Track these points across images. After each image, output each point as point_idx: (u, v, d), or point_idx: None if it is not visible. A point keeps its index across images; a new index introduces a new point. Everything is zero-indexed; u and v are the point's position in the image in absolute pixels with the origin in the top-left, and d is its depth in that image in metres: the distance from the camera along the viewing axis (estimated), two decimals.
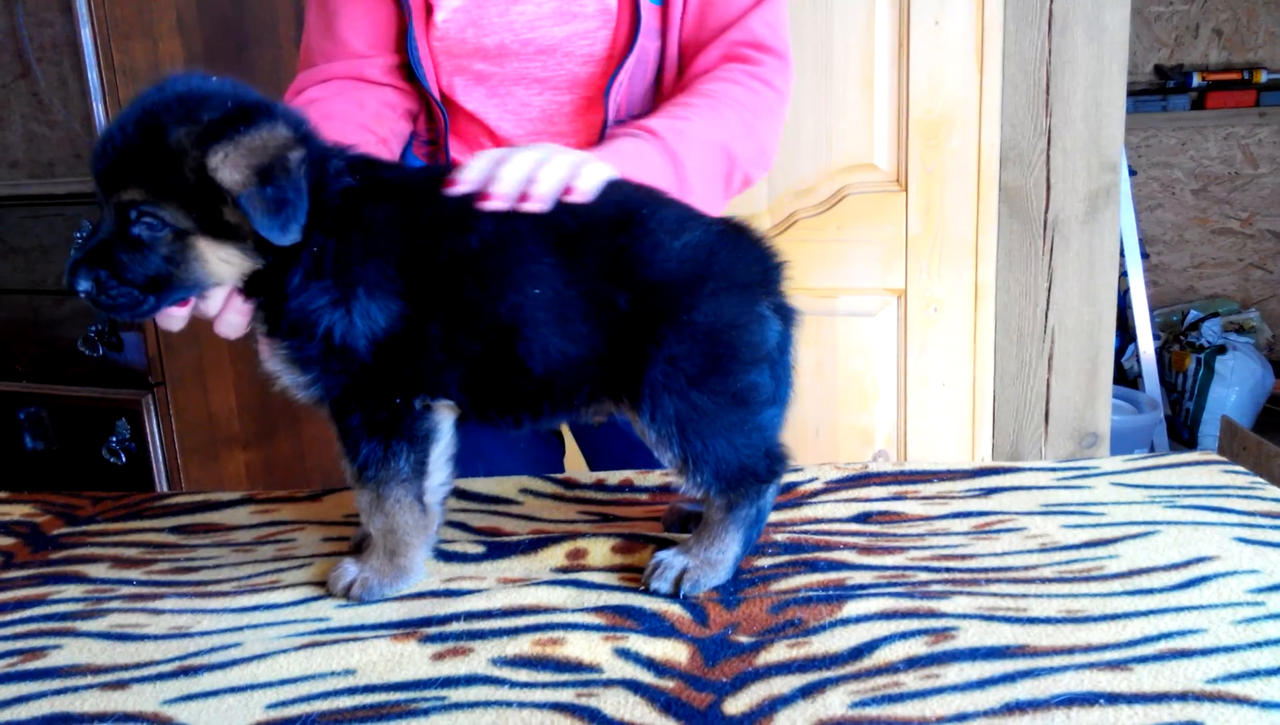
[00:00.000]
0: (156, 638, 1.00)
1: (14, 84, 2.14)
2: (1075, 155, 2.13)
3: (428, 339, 1.02)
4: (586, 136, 1.37)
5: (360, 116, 1.36)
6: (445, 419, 1.08)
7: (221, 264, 1.02)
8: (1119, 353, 4.55)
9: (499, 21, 1.32)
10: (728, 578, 1.06)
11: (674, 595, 1.03)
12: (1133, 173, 4.46)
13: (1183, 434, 4.39)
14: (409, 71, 1.41)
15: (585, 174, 1.05)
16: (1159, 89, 4.63)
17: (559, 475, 1.37)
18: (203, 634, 1.00)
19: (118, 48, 1.95)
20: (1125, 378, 4.49)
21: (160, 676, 0.92)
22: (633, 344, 1.02)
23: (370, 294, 1.01)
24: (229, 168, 0.95)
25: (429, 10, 1.35)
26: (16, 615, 1.06)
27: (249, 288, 1.05)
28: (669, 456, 1.04)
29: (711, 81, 1.32)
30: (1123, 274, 4.28)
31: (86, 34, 1.93)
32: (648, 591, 1.04)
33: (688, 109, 1.28)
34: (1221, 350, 4.36)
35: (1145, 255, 4.51)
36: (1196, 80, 4.54)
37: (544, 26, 1.31)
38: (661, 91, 1.39)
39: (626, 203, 1.04)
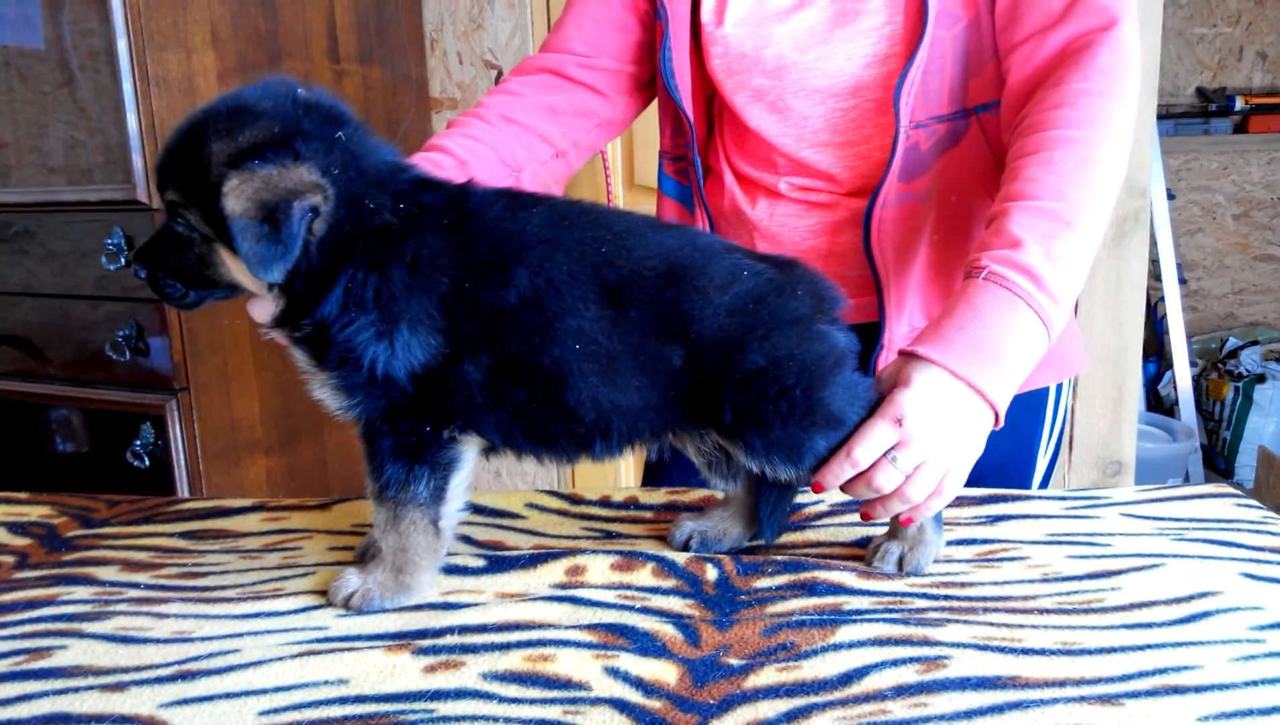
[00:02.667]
0: (159, 641, 1.01)
1: (56, 91, 2.19)
2: None
3: (466, 382, 1.04)
4: (880, 142, 1.29)
5: (544, 125, 1.38)
6: (469, 450, 1.10)
7: (242, 273, 1.05)
8: (1155, 380, 4.49)
9: (779, 31, 1.29)
10: (938, 539, 1.12)
11: (899, 572, 1.11)
12: (1171, 196, 4.41)
13: (1219, 464, 4.32)
14: (633, 83, 1.43)
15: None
16: (1201, 112, 4.57)
17: (565, 491, 1.37)
18: (203, 639, 1.01)
19: (153, 58, 1.99)
20: (1161, 405, 4.43)
21: (159, 680, 0.94)
22: (695, 395, 1.05)
23: (412, 328, 1.03)
24: (234, 196, 0.97)
25: (695, 26, 1.35)
26: (26, 615, 1.08)
27: (286, 317, 1.07)
28: (785, 475, 1.08)
29: (1048, 131, 1.13)
30: (1160, 299, 4.23)
31: (122, 44, 1.97)
32: (869, 570, 1.12)
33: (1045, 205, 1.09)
34: (1261, 379, 4.29)
35: (1183, 280, 4.44)
36: (1239, 103, 4.48)
37: (824, 30, 1.27)
38: (969, 85, 1.24)
39: (672, 256, 1.05)
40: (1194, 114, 4.57)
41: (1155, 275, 4.28)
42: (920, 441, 1.03)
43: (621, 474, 2.66)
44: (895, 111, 1.22)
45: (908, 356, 1.07)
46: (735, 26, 1.32)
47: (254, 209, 0.97)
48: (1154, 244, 4.13)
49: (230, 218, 0.97)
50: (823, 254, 1.36)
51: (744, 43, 1.31)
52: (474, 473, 1.12)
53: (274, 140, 1.00)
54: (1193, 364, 4.41)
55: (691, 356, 1.04)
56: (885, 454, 1.03)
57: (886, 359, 1.29)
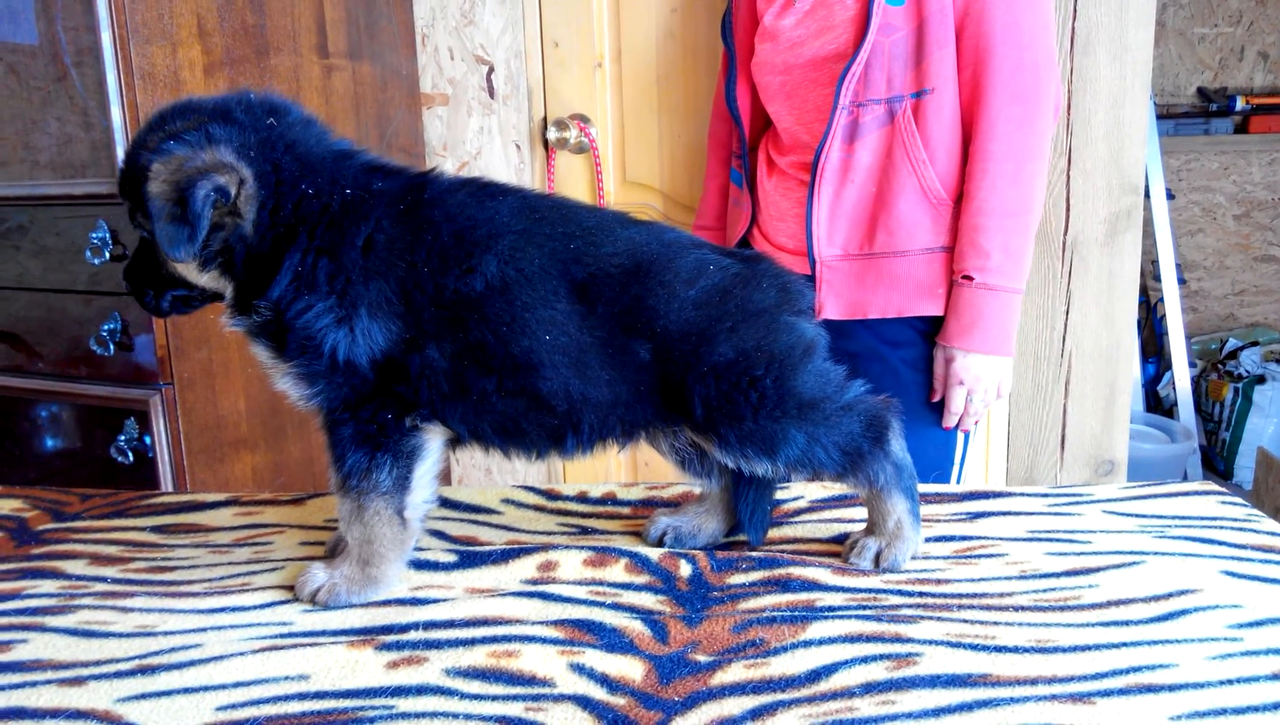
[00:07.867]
0: (121, 636, 1.00)
1: (53, 87, 2.17)
2: (1096, 176, 2.08)
3: (431, 368, 1.04)
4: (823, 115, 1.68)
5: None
6: (433, 439, 1.09)
7: (182, 267, 1.05)
8: (1154, 380, 4.46)
9: (784, 43, 1.71)
10: (916, 536, 1.10)
11: (875, 569, 1.09)
12: (1171, 196, 4.38)
13: (1218, 465, 4.29)
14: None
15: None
16: (1202, 112, 4.54)
17: (542, 486, 1.36)
18: (166, 634, 1.00)
19: (137, 51, 1.97)
20: (1160, 406, 4.40)
21: (118, 674, 0.92)
22: (665, 390, 1.05)
23: (372, 313, 1.02)
24: (154, 180, 1.00)
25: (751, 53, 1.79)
26: None
27: (239, 303, 1.07)
28: (761, 468, 1.07)
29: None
30: (1160, 300, 4.20)
31: (106, 38, 1.95)
32: (845, 566, 1.10)
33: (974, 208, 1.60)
34: (1260, 380, 4.26)
35: (1183, 281, 4.42)
36: (1240, 104, 4.45)
37: (809, 42, 1.68)
38: (905, 77, 1.61)
39: (639, 251, 1.05)
40: (1195, 114, 4.54)
41: (1155, 275, 4.25)
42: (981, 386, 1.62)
43: (612, 472, 2.64)
44: (836, 93, 1.62)
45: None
46: (763, 52, 1.76)
47: (168, 190, 0.99)
48: (1154, 244, 4.11)
49: (150, 200, 0.99)
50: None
51: (774, 55, 1.73)
52: (441, 462, 1.11)
53: (191, 127, 1.01)
54: (1192, 365, 4.38)
55: (659, 350, 1.03)
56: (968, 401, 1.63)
57: (821, 275, 1.68)
